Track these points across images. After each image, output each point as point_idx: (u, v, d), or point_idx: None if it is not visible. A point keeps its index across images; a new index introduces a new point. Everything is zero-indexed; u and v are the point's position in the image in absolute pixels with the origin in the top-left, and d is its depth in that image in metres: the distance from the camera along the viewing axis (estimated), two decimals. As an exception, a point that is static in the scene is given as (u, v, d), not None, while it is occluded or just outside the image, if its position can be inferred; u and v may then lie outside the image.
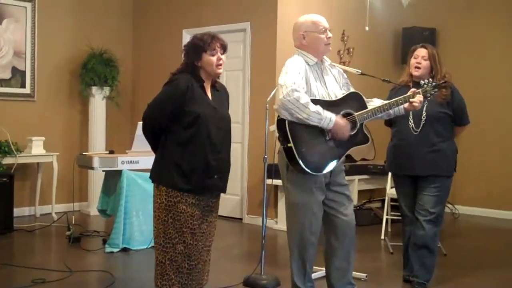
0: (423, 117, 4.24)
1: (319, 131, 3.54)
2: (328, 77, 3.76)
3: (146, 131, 3.32)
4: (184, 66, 3.27)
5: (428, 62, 4.31)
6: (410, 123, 4.30)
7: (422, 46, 4.38)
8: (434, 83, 3.90)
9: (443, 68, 4.33)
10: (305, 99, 3.45)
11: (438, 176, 4.28)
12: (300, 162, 3.48)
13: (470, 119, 4.47)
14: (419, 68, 4.32)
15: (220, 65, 3.26)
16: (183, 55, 3.29)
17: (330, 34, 3.72)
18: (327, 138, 3.56)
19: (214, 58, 3.22)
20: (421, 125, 4.27)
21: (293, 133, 3.49)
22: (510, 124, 7.68)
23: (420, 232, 4.30)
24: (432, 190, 4.29)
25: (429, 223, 4.29)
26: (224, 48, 3.28)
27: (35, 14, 7.17)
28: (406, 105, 3.82)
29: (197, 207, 3.22)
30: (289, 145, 3.49)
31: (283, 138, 3.52)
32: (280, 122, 3.54)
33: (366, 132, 3.74)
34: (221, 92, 3.41)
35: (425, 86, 3.88)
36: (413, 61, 4.36)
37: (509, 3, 7.74)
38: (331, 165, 3.59)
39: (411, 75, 4.39)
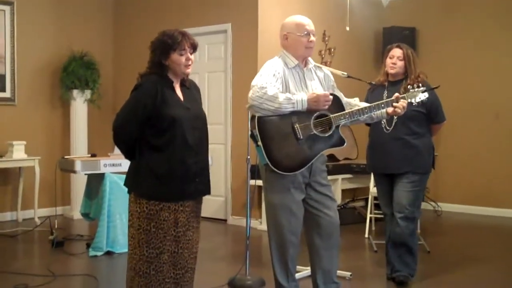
0: (395, 116, 4.14)
1: (291, 131, 3.55)
2: (311, 80, 3.74)
3: (118, 142, 3.13)
4: (151, 66, 3.13)
5: (403, 62, 4.36)
6: (383, 122, 4.34)
7: (398, 46, 4.42)
8: (424, 88, 3.84)
9: (417, 68, 4.37)
10: (272, 91, 3.47)
11: (413, 173, 4.32)
12: (268, 160, 3.51)
13: (448, 117, 4.49)
14: (394, 67, 4.36)
15: (189, 65, 3.11)
16: (150, 52, 3.14)
17: (312, 38, 3.69)
18: (300, 138, 3.57)
19: (183, 58, 3.07)
20: (393, 124, 4.31)
21: (263, 132, 3.51)
22: (489, 121, 7.76)
23: (397, 230, 4.35)
24: (407, 186, 4.32)
25: (405, 220, 4.33)
26: (194, 48, 3.13)
27: (14, 17, 7.11)
28: (389, 110, 3.80)
29: (181, 213, 3.10)
30: (258, 143, 3.52)
31: (254, 137, 3.55)
32: (252, 121, 3.56)
33: (344, 132, 3.74)
34: (191, 89, 3.25)
35: (413, 91, 3.82)
36: (388, 61, 4.41)
37: (487, 3, 7.83)
38: (303, 166, 3.58)
39: (387, 74, 4.45)
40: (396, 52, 4.38)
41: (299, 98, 3.52)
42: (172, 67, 3.10)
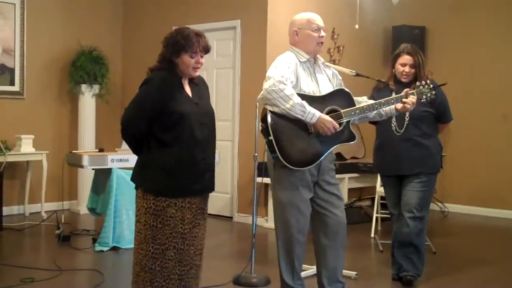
0: (407, 118, 4.23)
1: (303, 126, 3.54)
2: (321, 75, 3.75)
3: (126, 137, 3.11)
4: (161, 61, 3.11)
5: (414, 70, 4.32)
6: (393, 124, 4.33)
7: (407, 53, 4.34)
8: (431, 85, 3.86)
9: (426, 70, 4.36)
10: (290, 90, 3.46)
11: (424, 173, 4.32)
12: (279, 155, 3.49)
13: (456, 117, 4.48)
14: (408, 76, 4.33)
15: (198, 67, 3.09)
16: (162, 46, 3.12)
17: (323, 34, 3.71)
18: (311, 133, 3.56)
19: (193, 60, 3.05)
20: (405, 126, 4.29)
21: (274, 126, 3.50)
22: (497, 121, 7.71)
23: (405, 230, 4.34)
24: (417, 186, 4.31)
25: (414, 220, 4.32)
26: (206, 51, 3.10)
27: (24, 11, 7.12)
28: (398, 106, 3.80)
29: (187, 210, 3.09)
30: (269, 137, 3.50)
31: (266, 131, 3.53)
32: (264, 114, 3.55)
33: (353, 130, 3.73)
34: (200, 85, 3.23)
35: (421, 87, 3.84)
36: (401, 69, 4.35)
37: (497, 3, 7.78)
38: (314, 161, 3.58)
39: (395, 78, 4.40)
40: (408, 59, 4.32)
41: (312, 110, 3.49)
42: (181, 67, 3.09)
